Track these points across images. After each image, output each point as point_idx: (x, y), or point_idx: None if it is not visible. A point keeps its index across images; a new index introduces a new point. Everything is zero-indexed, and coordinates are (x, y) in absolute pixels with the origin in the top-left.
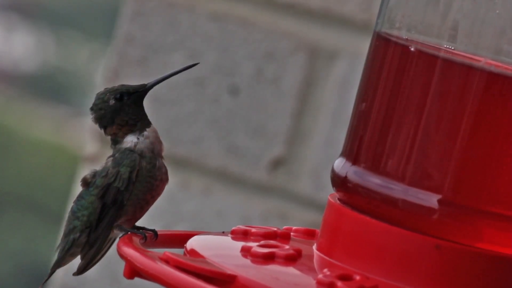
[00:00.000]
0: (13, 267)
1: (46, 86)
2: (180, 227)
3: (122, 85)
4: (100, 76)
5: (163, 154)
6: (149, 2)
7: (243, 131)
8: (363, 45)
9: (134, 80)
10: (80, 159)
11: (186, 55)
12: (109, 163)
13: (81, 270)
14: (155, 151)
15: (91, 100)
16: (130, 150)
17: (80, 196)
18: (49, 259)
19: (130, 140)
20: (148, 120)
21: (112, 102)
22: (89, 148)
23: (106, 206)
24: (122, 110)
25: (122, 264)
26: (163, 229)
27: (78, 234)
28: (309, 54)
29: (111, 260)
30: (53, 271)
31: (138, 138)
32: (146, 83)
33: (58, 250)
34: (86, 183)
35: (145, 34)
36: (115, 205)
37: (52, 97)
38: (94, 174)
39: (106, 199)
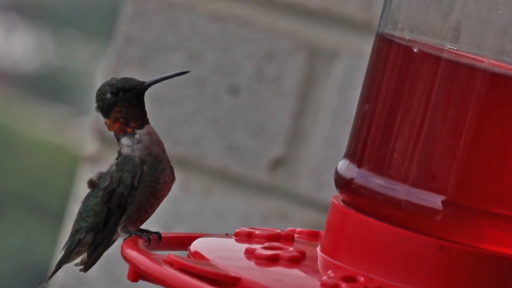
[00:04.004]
0: (13, 267)
1: (46, 86)
2: (180, 227)
3: (123, 79)
4: (100, 76)
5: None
6: (149, 2)
7: (243, 131)
8: (363, 45)
9: None
10: (80, 159)
11: (186, 55)
12: (113, 167)
13: (87, 268)
14: (153, 154)
15: (91, 100)
16: (131, 157)
17: (87, 198)
18: (49, 259)
19: (126, 144)
20: (144, 119)
21: (108, 96)
22: (89, 148)
23: (111, 210)
24: (116, 105)
25: (122, 264)
26: (163, 229)
27: (83, 235)
28: (309, 54)
29: (111, 260)
30: (57, 268)
31: (132, 142)
32: (143, 81)
33: (64, 249)
34: (92, 184)
35: (145, 34)
36: (119, 209)
37: (52, 97)
38: (100, 176)
39: (111, 203)
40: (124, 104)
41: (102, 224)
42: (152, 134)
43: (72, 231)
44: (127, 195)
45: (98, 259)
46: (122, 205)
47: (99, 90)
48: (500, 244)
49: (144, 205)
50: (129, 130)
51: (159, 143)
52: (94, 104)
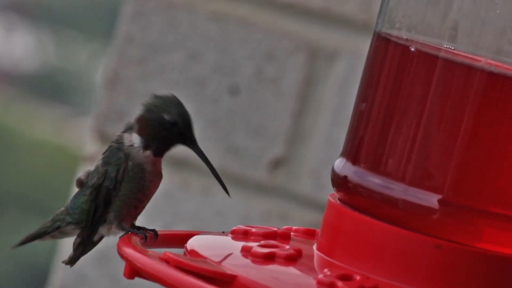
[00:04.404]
0: (13, 267)
1: (46, 86)
2: (179, 227)
3: (188, 122)
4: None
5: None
6: (149, 2)
7: (243, 131)
8: (363, 45)
9: (134, 80)
10: (80, 159)
11: (186, 55)
12: (100, 162)
13: (71, 261)
14: (140, 168)
15: (91, 100)
16: (118, 149)
17: (75, 196)
18: (49, 259)
19: (134, 140)
20: (163, 153)
21: (166, 117)
22: (89, 148)
23: (98, 205)
24: (161, 130)
25: (121, 263)
26: (162, 229)
27: (64, 224)
28: (309, 54)
29: (111, 260)
30: (26, 240)
31: (136, 145)
32: (197, 144)
33: (40, 227)
34: (81, 183)
35: (145, 34)
36: (105, 203)
37: (52, 97)
38: (88, 174)
39: (98, 199)
40: (166, 136)
41: (90, 220)
42: (157, 167)
43: (53, 217)
44: (112, 189)
45: (83, 254)
46: (107, 199)
47: (163, 100)
48: (497, 243)
49: (132, 200)
50: (146, 147)
51: (156, 174)
52: (145, 100)
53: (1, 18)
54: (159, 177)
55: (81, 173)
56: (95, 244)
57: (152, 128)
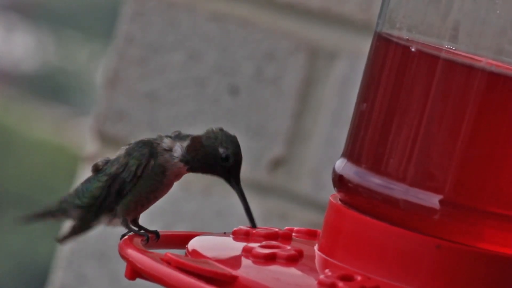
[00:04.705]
0: (13, 267)
1: (46, 86)
2: (180, 227)
3: (239, 159)
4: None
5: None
6: (149, 2)
7: (243, 131)
8: (363, 45)
9: (134, 80)
10: (80, 159)
11: (186, 55)
12: (123, 152)
13: (63, 239)
14: (162, 170)
15: (91, 100)
16: (145, 144)
17: (88, 180)
18: (49, 259)
19: (177, 149)
20: (195, 171)
21: (220, 151)
22: (89, 148)
23: (110, 194)
24: (212, 163)
25: (121, 263)
26: (163, 229)
27: (71, 207)
28: (309, 54)
29: (111, 260)
30: (33, 216)
31: (176, 154)
32: (239, 182)
33: (47, 206)
34: (96, 169)
35: (145, 34)
36: (117, 194)
37: (52, 97)
38: (107, 162)
39: (112, 188)
40: (211, 165)
41: (97, 206)
42: (178, 178)
43: (61, 199)
44: (129, 182)
45: (78, 236)
46: (121, 190)
47: (226, 136)
48: (498, 243)
49: (143, 199)
50: (187, 167)
51: (171, 182)
52: (210, 127)
53: (1, 18)
54: (171, 185)
55: (86, 172)
56: (90, 229)
57: (202, 153)
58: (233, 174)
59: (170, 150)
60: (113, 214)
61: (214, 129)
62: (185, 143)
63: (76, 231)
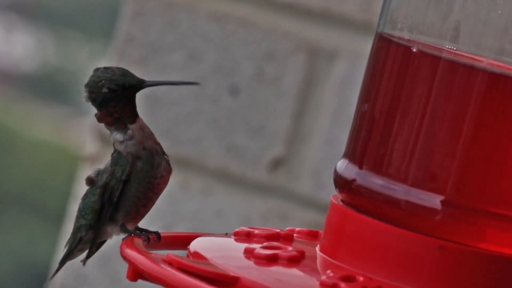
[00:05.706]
0: (13, 267)
1: (46, 86)
2: (180, 227)
3: (122, 75)
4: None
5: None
6: (149, 2)
7: (243, 131)
8: (363, 45)
9: None
10: (80, 159)
11: (186, 55)
12: (109, 162)
13: (85, 260)
14: (147, 148)
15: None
16: (120, 152)
17: (86, 195)
18: (49, 259)
19: (118, 140)
20: (135, 113)
21: (105, 90)
22: (89, 148)
23: (104, 204)
24: (111, 101)
25: (122, 264)
26: (163, 229)
27: (84, 233)
28: (309, 54)
29: (111, 260)
30: (60, 266)
31: (123, 138)
32: (144, 79)
33: (67, 246)
34: (91, 181)
35: (145, 34)
36: (109, 203)
37: (52, 97)
38: (98, 173)
39: (104, 198)
40: (120, 101)
41: (101, 219)
42: (143, 128)
43: (73, 229)
44: (116, 189)
45: (92, 254)
46: (112, 199)
47: (94, 81)
48: (499, 244)
49: (142, 200)
50: (121, 126)
51: (151, 136)
52: (84, 94)
53: (1, 18)
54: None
55: (87, 172)
56: (100, 244)
57: (110, 108)
58: (132, 84)
59: (121, 141)
60: (116, 222)
61: (85, 93)
62: (100, 117)
63: (92, 249)
